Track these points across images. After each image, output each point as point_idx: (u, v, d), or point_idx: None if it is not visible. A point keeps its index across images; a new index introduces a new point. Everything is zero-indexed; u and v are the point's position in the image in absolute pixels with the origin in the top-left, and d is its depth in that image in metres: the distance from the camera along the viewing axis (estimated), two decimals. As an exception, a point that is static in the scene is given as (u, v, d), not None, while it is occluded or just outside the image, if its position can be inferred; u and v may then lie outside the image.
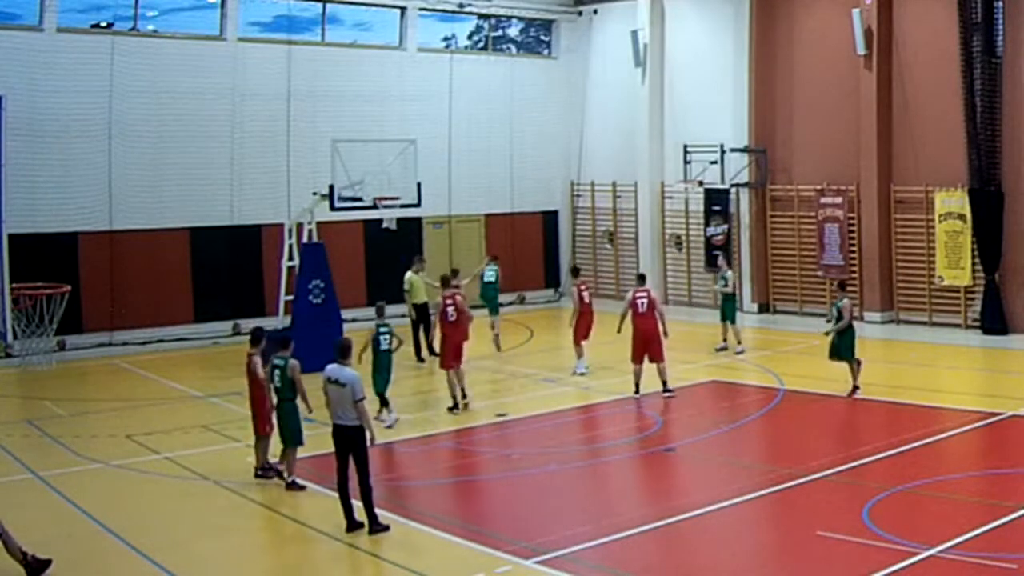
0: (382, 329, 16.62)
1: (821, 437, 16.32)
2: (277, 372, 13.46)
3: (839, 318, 17.84)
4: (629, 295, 18.73)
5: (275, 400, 13.59)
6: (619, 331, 18.46)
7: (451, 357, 17.68)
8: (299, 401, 13.45)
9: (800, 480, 13.15)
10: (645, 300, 18.28)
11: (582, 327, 20.51)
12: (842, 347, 17.88)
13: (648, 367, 18.23)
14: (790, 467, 13.73)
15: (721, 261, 24.50)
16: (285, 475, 13.46)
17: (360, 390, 11.80)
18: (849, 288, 20.17)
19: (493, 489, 13.89)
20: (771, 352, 22.37)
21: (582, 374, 20.15)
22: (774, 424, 16.90)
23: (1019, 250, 23.15)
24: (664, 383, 18.16)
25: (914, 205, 24.72)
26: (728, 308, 22.33)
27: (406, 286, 22.05)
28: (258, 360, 13.83)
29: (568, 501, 13.06)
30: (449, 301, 17.96)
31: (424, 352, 22.01)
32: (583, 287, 20.77)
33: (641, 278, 19.55)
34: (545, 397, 18.82)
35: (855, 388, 17.82)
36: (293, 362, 13.39)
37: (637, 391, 18.23)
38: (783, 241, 27.36)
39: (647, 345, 18.18)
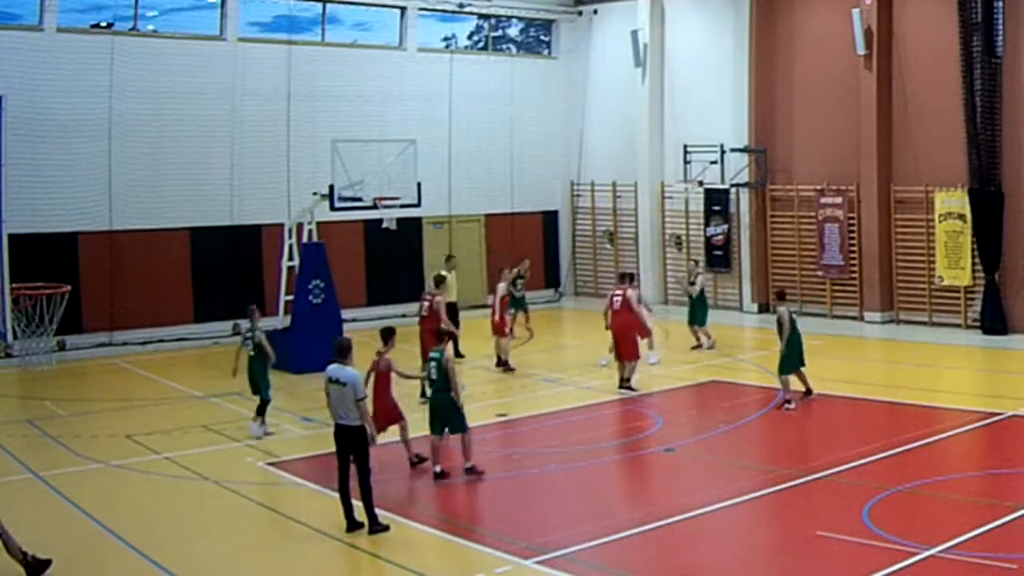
0: (247, 335, 16.63)
1: (821, 437, 16.32)
2: (434, 364, 13.66)
3: (779, 328, 17.24)
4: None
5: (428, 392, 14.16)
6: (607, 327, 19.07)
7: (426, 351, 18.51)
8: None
9: (800, 480, 13.15)
10: (620, 298, 18.82)
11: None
12: (788, 356, 17.21)
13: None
14: (790, 467, 13.74)
15: (693, 266, 24.21)
16: (468, 464, 13.81)
17: (361, 389, 11.82)
18: (790, 296, 19.72)
19: (493, 489, 13.87)
20: (771, 352, 22.24)
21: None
22: (774, 424, 16.88)
23: (1019, 250, 23.14)
24: (628, 379, 18.60)
25: (914, 205, 24.72)
26: (698, 312, 22.58)
27: None
28: (388, 359, 14.07)
29: (568, 501, 13.07)
30: (426, 299, 18.96)
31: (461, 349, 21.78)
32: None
33: (621, 277, 20.11)
34: (545, 397, 18.84)
35: (808, 391, 17.52)
36: (449, 354, 13.70)
37: (620, 384, 18.74)
38: (783, 241, 27.36)
39: (618, 341, 18.75)
